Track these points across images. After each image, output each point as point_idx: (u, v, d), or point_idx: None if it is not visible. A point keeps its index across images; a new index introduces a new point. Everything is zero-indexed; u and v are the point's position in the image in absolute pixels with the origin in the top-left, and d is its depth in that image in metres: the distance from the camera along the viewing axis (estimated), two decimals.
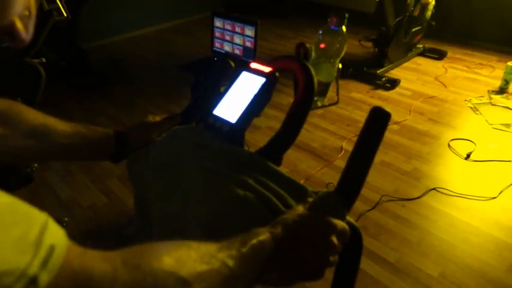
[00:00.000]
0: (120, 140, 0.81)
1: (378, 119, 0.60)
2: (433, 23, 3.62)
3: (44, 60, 1.56)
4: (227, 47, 2.35)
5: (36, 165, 2.21)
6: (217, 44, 2.42)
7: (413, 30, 3.57)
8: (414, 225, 1.89)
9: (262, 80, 0.76)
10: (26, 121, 0.71)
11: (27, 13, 0.42)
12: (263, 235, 0.53)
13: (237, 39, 2.28)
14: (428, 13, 3.53)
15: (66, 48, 3.21)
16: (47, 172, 2.30)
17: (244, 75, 0.80)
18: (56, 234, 0.36)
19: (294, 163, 2.28)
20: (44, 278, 0.33)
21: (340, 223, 0.57)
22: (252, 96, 0.76)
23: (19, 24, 0.40)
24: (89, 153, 0.82)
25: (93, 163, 2.35)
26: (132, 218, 1.99)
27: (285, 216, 0.58)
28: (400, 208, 1.99)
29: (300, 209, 0.59)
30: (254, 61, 0.81)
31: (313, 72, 0.71)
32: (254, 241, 0.52)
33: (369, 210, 1.96)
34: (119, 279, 0.39)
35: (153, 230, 0.74)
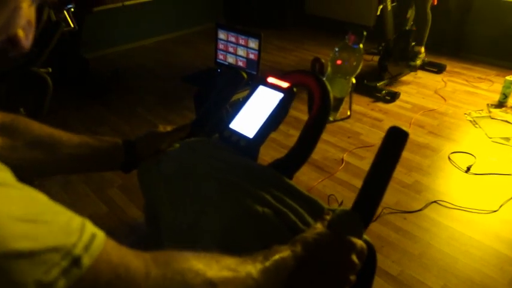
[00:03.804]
0: (129, 149, 0.81)
1: (396, 139, 0.60)
2: (416, 73, 3.73)
3: (50, 70, 1.57)
4: (230, 59, 2.37)
5: None
6: (220, 56, 2.44)
7: (412, 44, 3.62)
8: (415, 238, 1.89)
9: (280, 95, 0.76)
10: (33, 132, 0.71)
11: (28, 24, 0.45)
12: (284, 252, 0.54)
13: (241, 51, 2.30)
14: (418, 62, 3.66)
15: (69, 58, 3.23)
16: (47, 181, 2.30)
17: (262, 89, 0.80)
18: (95, 228, 0.39)
19: (295, 175, 2.29)
20: (86, 260, 0.35)
21: (359, 242, 0.58)
22: (269, 111, 0.76)
23: (21, 34, 0.44)
24: (97, 163, 0.81)
25: (93, 173, 2.35)
26: (133, 228, 1.98)
27: (305, 235, 0.58)
28: (401, 220, 2.00)
29: (319, 227, 0.60)
30: (271, 75, 0.81)
31: (329, 88, 0.72)
32: (277, 257, 0.52)
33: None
34: (150, 274, 0.41)
35: (163, 239, 0.74)
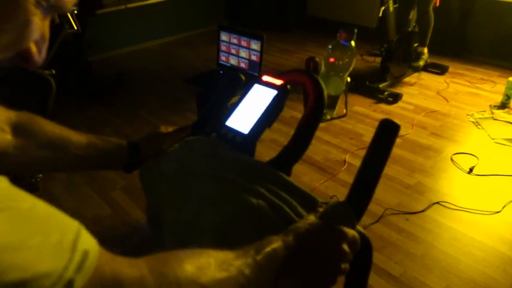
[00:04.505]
0: (133, 150, 0.83)
1: (387, 131, 0.61)
2: (420, 73, 3.71)
3: (53, 71, 1.59)
4: (233, 61, 2.38)
5: (40, 175, 2.22)
6: (223, 58, 2.45)
7: (416, 45, 3.62)
8: (418, 239, 1.89)
9: (274, 92, 0.78)
10: (44, 133, 0.74)
11: (41, 39, 0.44)
12: (276, 243, 0.55)
13: (243, 53, 2.31)
14: (421, 63, 3.62)
15: (72, 60, 3.26)
16: (51, 183, 2.31)
17: (256, 87, 0.82)
18: (89, 241, 0.38)
19: (297, 175, 2.29)
20: (79, 281, 0.35)
21: (350, 231, 0.59)
22: (264, 108, 0.78)
23: (34, 49, 0.42)
24: (102, 163, 0.84)
25: (96, 174, 2.36)
26: (136, 229, 1.99)
27: (297, 225, 0.59)
28: (403, 221, 1.99)
29: (312, 218, 0.61)
30: (265, 74, 0.83)
31: (323, 86, 0.73)
32: (268, 249, 0.54)
33: (372, 224, 1.96)
34: (145, 285, 0.41)
35: (165, 238, 0.75)
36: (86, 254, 0.36)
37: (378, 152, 0.63)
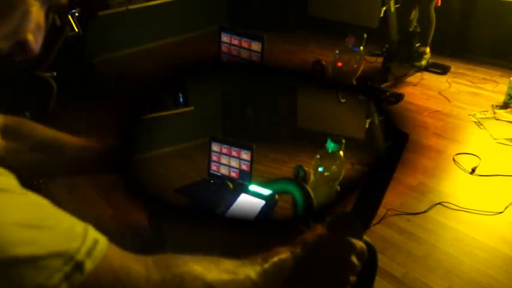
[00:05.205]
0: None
1: (397, 141, 0.60)
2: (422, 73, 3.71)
3: (54, 73, 1.59)
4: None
5: None
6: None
7: (417, 45, 3.61)
8: (420, 240, 1.88)
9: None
10: (37, 136, 0.73)
11: (37, 28, 0.46)
12: (284, 254, 0.54)
13: (244, 54, 2.30)
14: (423, 62, 3.61)
15: (73, 61, 3.26)
16: (53, 184, 2.31)
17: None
18: (97, 233, 0.39)
19: None
20: (89, 265, 0.36)
21: (358, 243, 0.58)
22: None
23: (31, 37, 0.44)
24: (100, 166, 0.82)
25: (98, 175, 2.35)
26: (138, 231, 1.99)
27: (304, 236, 0.58)
28: (405, 222, 1.99)
29: (319, 228, 0.60)
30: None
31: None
32: (275, 259, 0.53)
33: (374, 224, 1.95)
34: (151, 278, 0.42)
35: (166, 242, 0.75)
36: (96, 242, 0.37)
37: (387, 161, 0.61)
